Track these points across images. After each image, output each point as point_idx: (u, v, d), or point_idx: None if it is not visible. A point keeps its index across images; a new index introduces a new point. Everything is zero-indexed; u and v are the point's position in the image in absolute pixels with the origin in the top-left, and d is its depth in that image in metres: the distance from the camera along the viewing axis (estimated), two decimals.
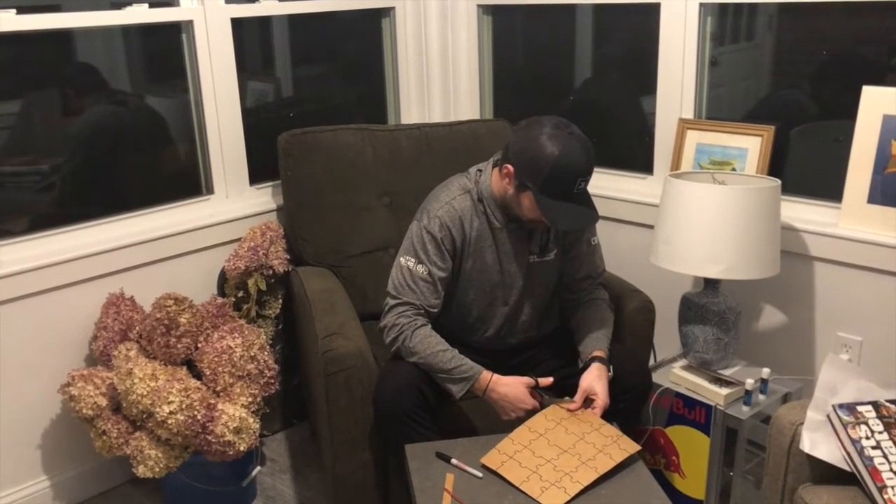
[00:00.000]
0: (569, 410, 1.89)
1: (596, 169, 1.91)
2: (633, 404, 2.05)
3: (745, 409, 2.09)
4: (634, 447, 1.78)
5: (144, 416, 2.15)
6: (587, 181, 1.87)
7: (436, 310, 2.01)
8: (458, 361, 1.92)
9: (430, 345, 1.93)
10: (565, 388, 1.97)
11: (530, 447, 1.78)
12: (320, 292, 2.28)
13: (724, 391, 2.10)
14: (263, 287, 2.55)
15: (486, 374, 1.91)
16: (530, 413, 1.89)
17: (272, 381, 2.34)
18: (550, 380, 1.95)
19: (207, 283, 2.62)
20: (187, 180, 2.66)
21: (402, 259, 2.01)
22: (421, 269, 1.98)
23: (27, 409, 2.33)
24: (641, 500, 1.66)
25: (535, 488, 1.68)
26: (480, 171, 2.06)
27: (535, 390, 1.92)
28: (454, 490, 1.69)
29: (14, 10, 2.17)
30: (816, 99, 2.40)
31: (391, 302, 1.99)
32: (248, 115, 2.71)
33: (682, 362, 2.29)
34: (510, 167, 1.90)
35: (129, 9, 2.40)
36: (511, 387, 1.90)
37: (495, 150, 2.12)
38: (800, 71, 2.42)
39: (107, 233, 2.44)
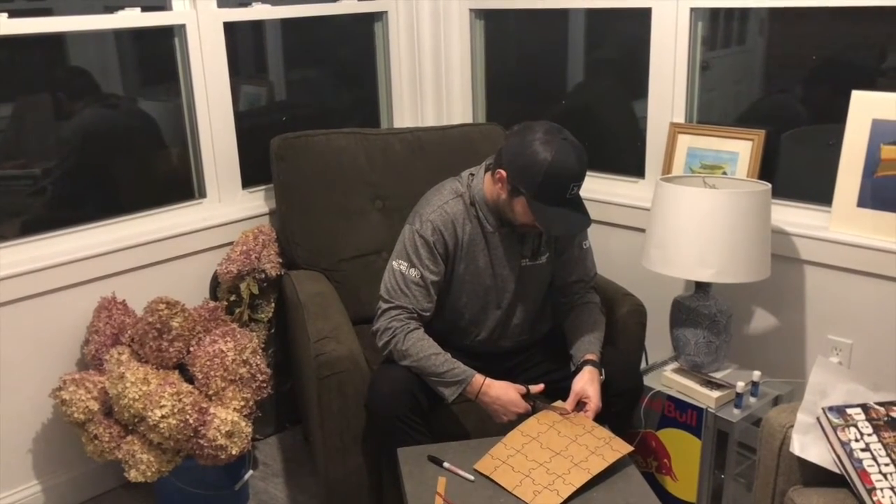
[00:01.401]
0: (561, 414, 1.90)
1: (588, 173, 1.92)
2: (624, 407, 2.06)
3: (736, 411, 2.10)
4: (627, 448, 1.78)
5: (136, 420, 2.14)
6: (580, 186, 1.88)
7: (428, 314, 2.01)
8: (451, 365, 1.92)
9: (422, 348, 1.93)
10: (558, 391, 1.97)
11: (523, 451, 1.79)
12: (313, 296, 2.28)
13: (716, 394, 2.11)
14: (256, 291, 2.55)
15: (478, 378, 1.92)
16: (522, 416, 1.90)
17: (264, 384, 2.34)
18: (541, 386, 1.95)
19: (200, 286, 2.62)
20: (180, 184, 2.66)
21: (394, 263, 2.01)
22: (413, 273, 1.98)
23: (18, 413, 2.32)
24: (633, 503, 1.67)
25: (528, 492, 1.68)
26: (473, 175, 2.06)
27: (526, 397, 1.92)
28: (446, 493, 1.69)
29: (6, 14, 2.17)
30: (807, 103, 2.42)
31: (383, 306, 1.99)
32: (240, 118, 2.71)
33: (674, 365, 2.30)
34: (503, 172, 1.90)
35: (121, 13, 2.40)
36: (503, 390, 1.91)
37: (488, 155, 2.12)
38: (791, 75, 2.44)
39: (99, 236, 2.44)
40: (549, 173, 1.82)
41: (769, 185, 2.16)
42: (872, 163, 2.15)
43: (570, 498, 1.66)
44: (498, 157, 1.94)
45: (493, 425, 1.93)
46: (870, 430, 1.62)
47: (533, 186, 1.85)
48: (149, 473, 2.17)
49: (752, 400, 2.14)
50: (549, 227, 1.89)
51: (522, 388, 1.92)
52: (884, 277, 2.17)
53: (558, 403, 1.93)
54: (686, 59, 2.49)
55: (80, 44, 2.42)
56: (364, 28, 3.06)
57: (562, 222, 1.89)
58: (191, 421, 2.10)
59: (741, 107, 2.54)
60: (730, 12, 2.46)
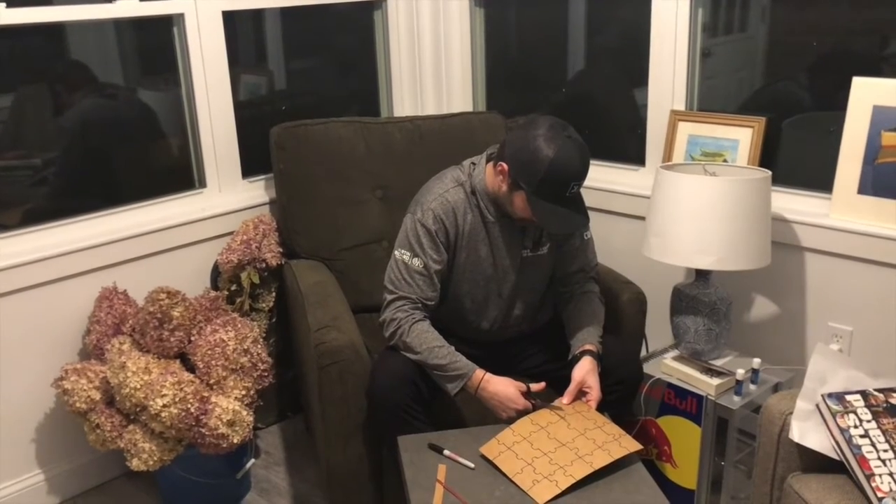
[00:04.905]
0: (566, 404, 1.89)
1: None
2: (624, 395, 2.06)
3: (736, 399, 2.10)
4: (635, 446, 1.76)
5: (138, 409, 2.15)
6: (581, 185, 1.87)
7: (433, 302, 2.01)
8: (453, 358, 1.92)
9: (425, 340, 1.93)
10: (557, 380, 1.97)
11: (529, 439, 1.79)
12: (313, 285, 2.28)
13: (716, 381, 2.12)
14: (256, 280, 2.56)
15: (478, 373, 1.91)
16: (522, 413, 1.88)
17: (265, 374, 2.35)
18: (542, 385, 1.93)
19: (200, 276, 2.62)
20: (180, 174, 2.66)
21: (397, 253, 2.01)
22: (416, 262, 1.98)
23: (21, 403, 2.33)
24: (633, 490, 1.67)
25: (527, 480, 1.68)
26: (474, 164, 2.05)
27: (527, 395, 1.91)
28: (447, 481, 1.70)
29: (4, 3, 2.16)
30: (808, 90, 2.41)
31: (388, 297, 1.99)
32: (240, 108, 2.71)
33: (674, 353, 2.31)
34: (504, 165, 1.89)
35: (119, 2, 2.39)
36: (502, 386, 1.89)
37: (488, 143, 2.12)
38: (792, 62, 2.43)
39: (99, 227, 2.44)
40: (550, 171, 1.81)
41: (769, 173, 2.15)
42: (873, 149, 2.14)
43: (570, 490, 1.66)
44: (501, 150, 1.94)
45: (493, 413, 1.93)
46: (869, 416, 1.62)
47: (533, 183, 1.84)
48: (151, 462, 2.18)
49: (752, 387, 2.15)
50: (546, 225, 1.89)
51: (523, 386, 1.91)
52: (884, 264, 2.16)
53: (559, 402, 1.92)
54: (686, 46, 2.48)
55: (80, 34, 2.42)
56: (363, 16, 3.06)
57: (560, 220, 1.88)
58: (192, 410, 2.11)
59: (742, 94, 2.53)
60: None
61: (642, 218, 2.43)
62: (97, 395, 2.21)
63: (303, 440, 2.74)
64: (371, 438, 2.04)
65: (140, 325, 2.27)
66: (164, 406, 2.08)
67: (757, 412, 1.83)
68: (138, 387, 2.11)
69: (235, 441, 2.18)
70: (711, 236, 2.07)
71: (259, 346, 2.35)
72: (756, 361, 2.16)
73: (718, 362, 2.23)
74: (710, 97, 2.56)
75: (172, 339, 2.25)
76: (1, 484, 2.34)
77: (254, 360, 2.31)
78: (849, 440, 1.58)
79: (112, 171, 2.53)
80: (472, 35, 3.08)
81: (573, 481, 1.66)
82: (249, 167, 2.75)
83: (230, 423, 2.16)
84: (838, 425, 1.60)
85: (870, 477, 1.53)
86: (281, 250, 2.59)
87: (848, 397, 1.65)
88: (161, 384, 2.10)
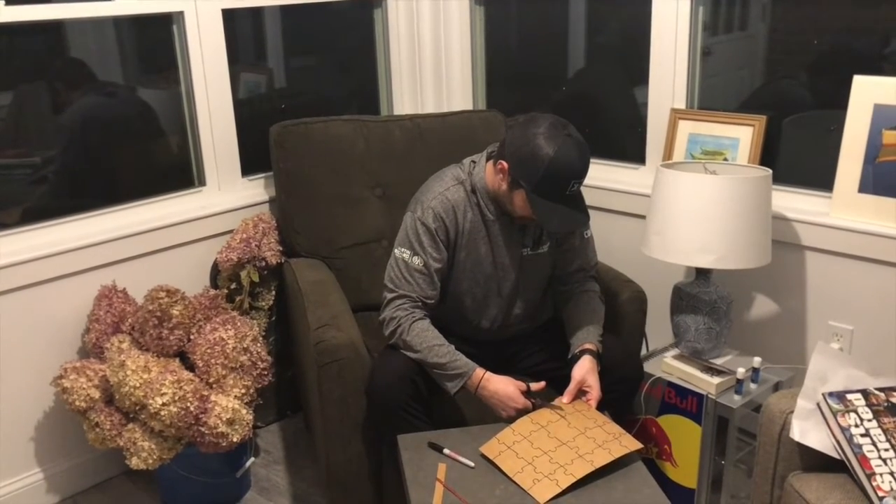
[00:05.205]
0: (566, 403, 1.89)
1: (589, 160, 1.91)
2: (624, 394, 2.06)
3: (736, 398, 2.10)
4: (636, 445, 1.76)
5: (137, 407, 2.15)
6: (581, 183, 1.86)
7: (433, 301, 2.00)
8: (453, 356, 1.91)
9: (425, 339, 1.92)
10: (557, 379, 1.97)
11: (529, 438, 1.78)
12: (313, 284, 2.28)
13: (716, 380, 2.11)
14: (256, 279, 2.55)
15: (478, 372, 1.91)
16: (522, 412, 1.88)
17: (265, 372, 2.35)
18: (542, 384, 1.93)
19: (200, 275, 2.62)
20: (179, 172, 2.66)
21: (397, 251, 2.00)
22: (416, 260, 1.97)
23: (20, 401, 2.33)
24: (633, 489, 1.67)
25: (528, 480, 1.68)
26: (474, 162, 2.05)
27: (527, 394, 1.91)
28: (446, 480, 1.70)
29: (3, 2, 2.16)
30: (809, 89, 2.40)
31: (388, 295, 1.99)
32: (240, 106, 2.70)
33: (674, 352, 2.30)
34: (504, 164, 1.89)
35: (119, 0, 2.38)
36: (502, 385, 1.89)
37: (488, 141, 2.11)
38: (793, 61, 2.42)
39: (99, 225, 2.44)
40: (550, 169, 1.81)
41: (770, 171, 2.15)
42: (874, 148, 2.14)
43: (571, 489, 1.65)
44: (501, 148, 1.93)
45: (493, 412, 1.93)
46: (870, 415, 1.61)
47: (533, 181, 1.83)
48: (150, 461, 2.17)
49: (753, 386, 2.14)
50: (546, 223, 1.88)
51: (523, 385, 1.91)
52: (885, 263, 2.16)
53: (559, 401, 1.92)
54: (687, 44, 2.48)
55: (79, 31, 2.41)
56: (363, 14, 3.05)
57: (559, 219, 1.87)
58: (191, 408, 2.11)
59: (743, 92, 2.53)
60: None
61: (642, 216, 2.42)
62: (96, 394, 2.21)
63: (302, 439, 2.73)
64: (370, 437, 2.04)
65: (139, 324, 2.27)
66: (164, 404, 2.08)
67: (757, 411, 1.83)
68: (138, 385, 2.10)
69: (235, 440, 2.18)
70: (712, 235, 2.07)
71: (258, 344, 2.35)
72: (756, 360, 2.16)
73: (719, 361, 2.23)
74: (710, 96, 2.56)
75: (172, 338, 2.25)
76: (0, 482, 2.34)
77: (253, 358, 2.30)
78: (849, 439, 1.58)
79: (111, 170, 2.53)
80: (472, 33, 3.07)
81: (574, 480, 1.66)
82: (249, 165, 2.75)
83: (230, 422, 2.15)
84: (839, 424, 1.60)
85: (871, 476, 1.53)
86: (280, 249, 2.59)
87: (849, 396, 1.65)
88: (160, 383, 2.10)
